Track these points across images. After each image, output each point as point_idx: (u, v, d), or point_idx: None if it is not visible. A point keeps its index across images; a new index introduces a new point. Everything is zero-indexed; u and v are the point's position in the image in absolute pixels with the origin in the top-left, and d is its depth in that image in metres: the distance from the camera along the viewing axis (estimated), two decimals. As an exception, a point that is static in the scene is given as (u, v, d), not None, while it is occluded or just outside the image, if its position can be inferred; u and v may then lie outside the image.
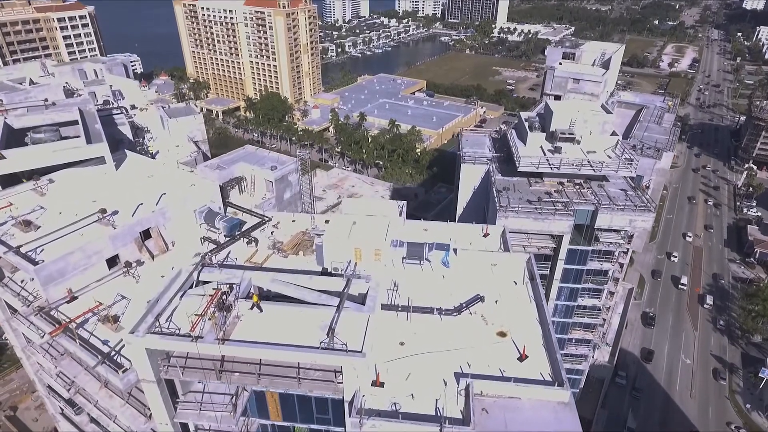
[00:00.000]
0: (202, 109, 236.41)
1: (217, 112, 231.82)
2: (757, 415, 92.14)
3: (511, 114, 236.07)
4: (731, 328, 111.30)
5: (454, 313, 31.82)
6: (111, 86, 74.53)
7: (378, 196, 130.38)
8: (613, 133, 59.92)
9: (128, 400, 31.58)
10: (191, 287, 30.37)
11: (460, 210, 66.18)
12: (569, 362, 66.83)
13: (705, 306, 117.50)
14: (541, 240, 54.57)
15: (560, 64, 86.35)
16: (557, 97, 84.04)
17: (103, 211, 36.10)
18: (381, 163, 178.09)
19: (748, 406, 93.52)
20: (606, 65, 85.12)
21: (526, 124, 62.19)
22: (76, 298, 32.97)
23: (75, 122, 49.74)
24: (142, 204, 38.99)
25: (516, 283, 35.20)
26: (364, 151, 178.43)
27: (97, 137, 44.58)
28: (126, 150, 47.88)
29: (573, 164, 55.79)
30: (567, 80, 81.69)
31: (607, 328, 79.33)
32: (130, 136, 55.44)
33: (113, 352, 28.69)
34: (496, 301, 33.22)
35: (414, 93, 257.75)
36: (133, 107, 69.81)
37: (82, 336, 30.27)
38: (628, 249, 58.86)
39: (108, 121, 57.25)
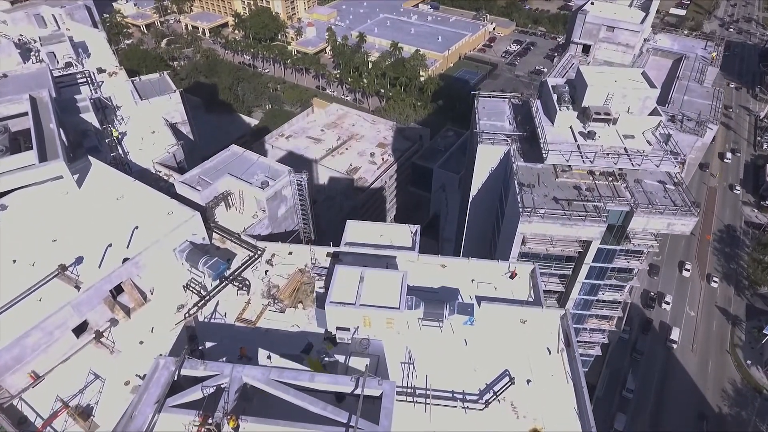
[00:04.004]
0: (186, 26, 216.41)
1: (203, 29, 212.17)
2: (755, 370, 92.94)
3: (523, 31, 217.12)
4: (738, 278, 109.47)
5: (480, 403, 27.50)
6: (72, 38, 64.13)
7: (380, 137, 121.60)
8: (655, 111, 52.00)
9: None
10: (173, 381, 25.65)
11: (474, 191, 59.90)
12: (582, 347, 64.56)
13: (725, 160, 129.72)
14: (566, 244, 49.16)
15: (592, 4, 74.36)
16: (586, 47, 73.44)
17: (63, 267, 30.26)
18: (383, 91, 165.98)
19: (748, 362, 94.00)
20: (645, 7, 73.36)
21: (554, 97, 53.90)
22: (42, 378, 28.44)
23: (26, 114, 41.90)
24: (110, 246, 32.97)
25: (549, 351, 30.55)
26: (364, 79, 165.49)
27: (53, 149, 37.08)
28: (90, 156, 40.38)
29: (608, 155, 48.76)
30: (600, 27, 70.65)
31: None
32: (97, 123, 47.46)
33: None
34: (528, 381, 28.76)
35: (417, 5, 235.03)
36: (101, 70, 60.39)
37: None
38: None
39: (70, 104, 48.94)
